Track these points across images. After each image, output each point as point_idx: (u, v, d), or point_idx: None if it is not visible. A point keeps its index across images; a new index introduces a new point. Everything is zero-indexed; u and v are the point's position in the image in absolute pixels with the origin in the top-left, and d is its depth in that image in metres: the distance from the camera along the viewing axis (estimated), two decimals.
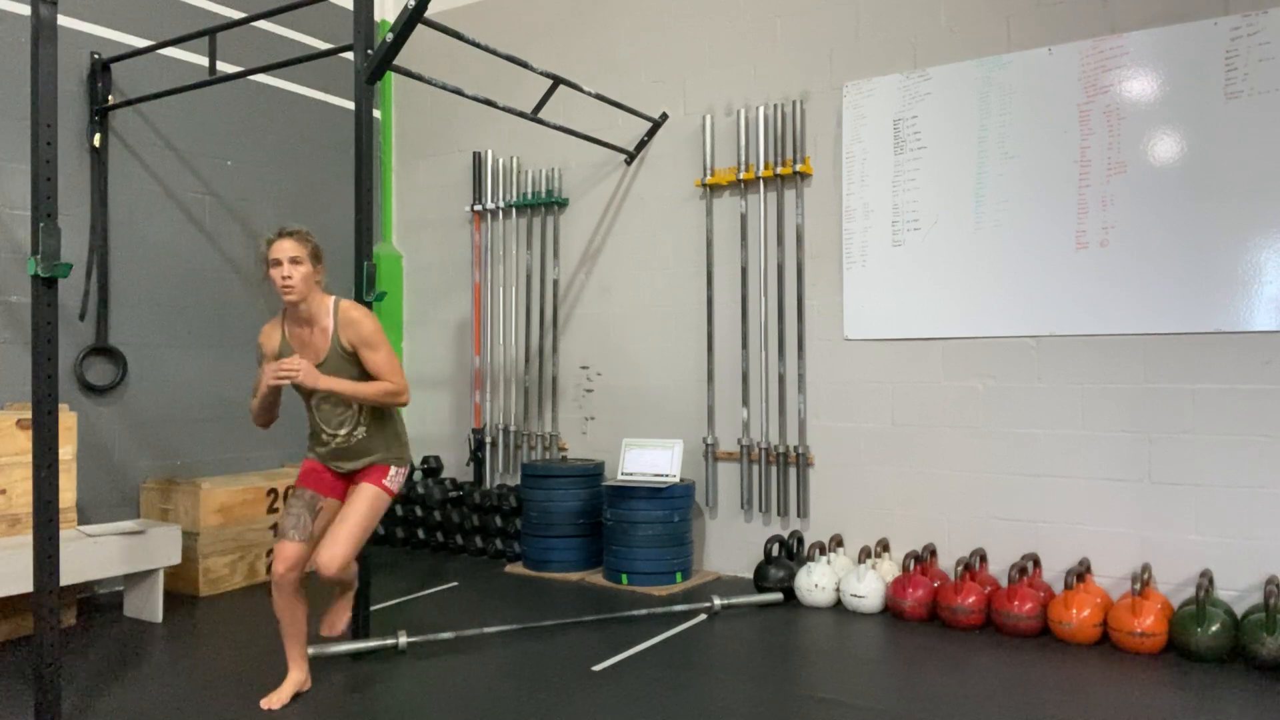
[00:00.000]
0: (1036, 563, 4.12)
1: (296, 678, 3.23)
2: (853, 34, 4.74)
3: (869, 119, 4.67)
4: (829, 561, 4.44)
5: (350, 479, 3.27)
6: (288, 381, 2.99)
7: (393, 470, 3.24)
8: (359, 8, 3.80)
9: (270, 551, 4.89)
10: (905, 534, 4.56)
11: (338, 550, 3.04)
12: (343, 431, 3.18)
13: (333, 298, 3.18)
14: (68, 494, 4.01)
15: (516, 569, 5.17)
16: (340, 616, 3.33)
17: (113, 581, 4.54)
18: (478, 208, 5.92)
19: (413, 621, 4.11)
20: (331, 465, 3.25)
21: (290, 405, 3.33)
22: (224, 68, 4.57)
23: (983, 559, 4.21)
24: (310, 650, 3.59)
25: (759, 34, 5.01)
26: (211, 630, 4.05)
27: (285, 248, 3.04)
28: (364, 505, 3.14)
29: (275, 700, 3.16)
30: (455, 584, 4.86)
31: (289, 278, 3.02)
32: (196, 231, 5.21)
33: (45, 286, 2.86)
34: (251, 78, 5.03)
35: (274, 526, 4.91)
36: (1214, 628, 3.56)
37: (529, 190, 5.77)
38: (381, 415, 3.24)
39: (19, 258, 4.39)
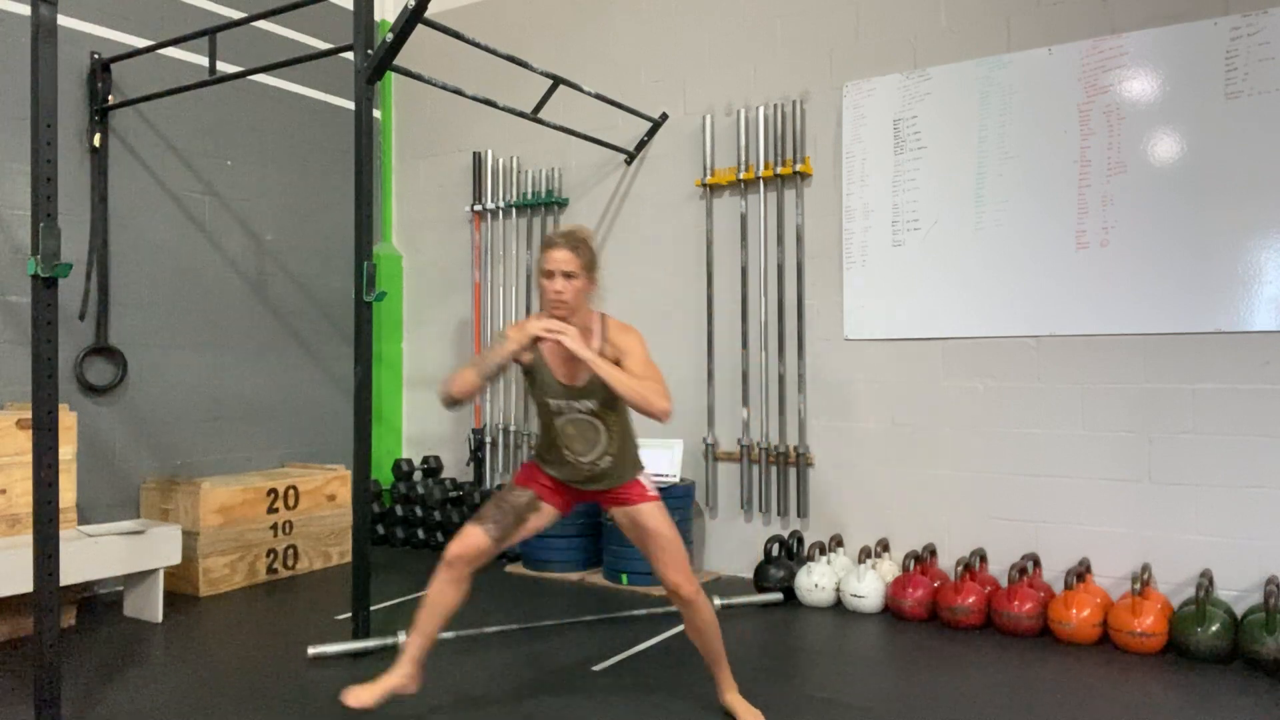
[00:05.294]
0: (1036, 563, 4.12)
1: (398, 678, 2.93)
2: (853, 34, 4.74)
3: (869, 119, 4.67)
4: (829, 561, 4.44)
5: (598, 498, 3.02)
6: (551, 338, 2.73)
7: (645, 481, 3.00)
8: (359, 8, 3.80)
9: (270, 551, 4.89)
10: (905, 534, 4.56)
11: (681, 569, 2.86)
12: (588, 458, 2.92)
13: (599, 313, 2.95)
14: (68, 494, 4.01)
15: (516, 569, 5.16)
16: (727, 680, 3.04)
17: (113, 581, 4.53)
18: (478, 208, 5.92)
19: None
20: (568, 483, 3.00)
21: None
22: (224, 68, 4.57)
23: (983, 559, 4.21)
24: (311, 650, 3.60)
25: (759, 34, 5.01)
26: (211, 630, 4.05)
27: (559, 259, 2.79)
28: (662, 524, 2.91)
29: (361, 697, 2.89)
30: None
31: (561, 292, 2.78)
32: (196, 231, 5.21)
33: (45, 286, 2.85)
34: (251, 78, 5.03)
35: (272, 526, 4.91)
36: (1214, 628, 3.56)
37: (529, 190, 5.77)
38: (626, 440, 2.97)
39: (19, 258, 4.39)
